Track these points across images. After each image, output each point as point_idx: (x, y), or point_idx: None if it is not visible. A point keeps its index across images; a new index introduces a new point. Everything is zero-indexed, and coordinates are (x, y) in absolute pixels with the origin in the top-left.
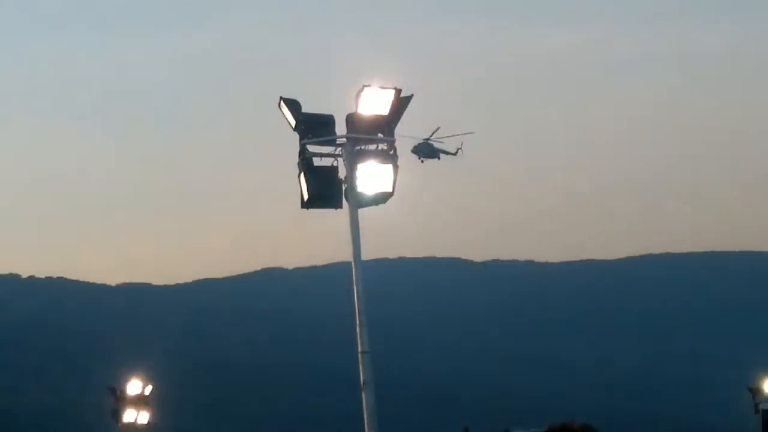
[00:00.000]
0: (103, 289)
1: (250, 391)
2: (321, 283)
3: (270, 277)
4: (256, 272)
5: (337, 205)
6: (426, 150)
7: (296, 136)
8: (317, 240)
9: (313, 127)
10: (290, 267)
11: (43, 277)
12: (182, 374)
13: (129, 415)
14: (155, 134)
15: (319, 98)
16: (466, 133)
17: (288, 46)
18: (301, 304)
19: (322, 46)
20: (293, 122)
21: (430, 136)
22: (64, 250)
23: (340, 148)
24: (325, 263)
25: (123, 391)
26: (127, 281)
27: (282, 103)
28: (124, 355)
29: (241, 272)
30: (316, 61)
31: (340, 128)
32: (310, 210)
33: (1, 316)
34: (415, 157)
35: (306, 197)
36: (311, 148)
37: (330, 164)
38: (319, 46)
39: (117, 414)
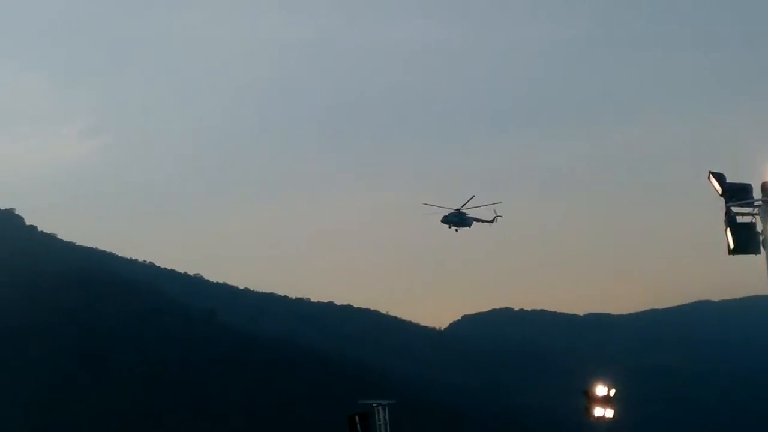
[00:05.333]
0: (574, 318)
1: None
2: (742, 311)
3: (700, 306)
4: (687, 304)
5: (757, 251)
6: (455, 219)
7: (720, 200)
8: (739, 277)
9: (735, 193)
10: (716, 299)
11: (529, 309)
12: (641, 378)
13: (598, 412)
14: (602, 204)
15: (737, 169)
16: (495, 203)
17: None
18: (727, 328)
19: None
20: (720, 190)
21: (462, 205)
22: (547, 288)
23: (757, 209)
24: (744, 296)
25: (593, 393)
26: (592, 311)
27: (711, 176)
28: (592, 367)
29: (678, 303)
30: (737, 139)
31: (756, 193)
32: (735, 256)
33: (501, 341)
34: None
35: (732, 246)
36: (734, 209)
37: (749, 221)
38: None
39: (588, 411)
